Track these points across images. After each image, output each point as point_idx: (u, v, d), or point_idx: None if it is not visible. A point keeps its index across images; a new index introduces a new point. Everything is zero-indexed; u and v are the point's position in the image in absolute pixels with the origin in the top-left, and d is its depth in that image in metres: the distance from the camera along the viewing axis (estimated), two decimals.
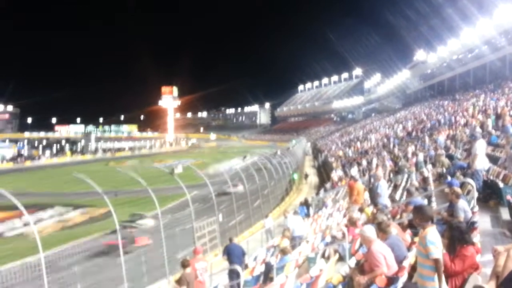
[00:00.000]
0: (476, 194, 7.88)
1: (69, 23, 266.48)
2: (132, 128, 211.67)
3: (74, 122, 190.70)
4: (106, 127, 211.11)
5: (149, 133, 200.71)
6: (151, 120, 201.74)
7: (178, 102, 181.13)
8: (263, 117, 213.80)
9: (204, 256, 12.40)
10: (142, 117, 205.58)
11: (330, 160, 41.44)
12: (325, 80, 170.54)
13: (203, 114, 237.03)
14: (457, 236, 4.59)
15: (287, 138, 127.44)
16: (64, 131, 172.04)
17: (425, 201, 9.42)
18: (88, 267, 13.31)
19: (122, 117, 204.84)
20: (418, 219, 4.34)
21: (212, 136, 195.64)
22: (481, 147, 9.70)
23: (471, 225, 6.22)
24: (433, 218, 4.41)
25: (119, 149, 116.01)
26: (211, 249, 17.67)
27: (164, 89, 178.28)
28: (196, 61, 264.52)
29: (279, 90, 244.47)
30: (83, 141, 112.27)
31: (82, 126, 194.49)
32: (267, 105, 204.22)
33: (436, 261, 4.05)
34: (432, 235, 4.14)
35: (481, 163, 9.52)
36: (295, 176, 37.22)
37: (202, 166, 34.98)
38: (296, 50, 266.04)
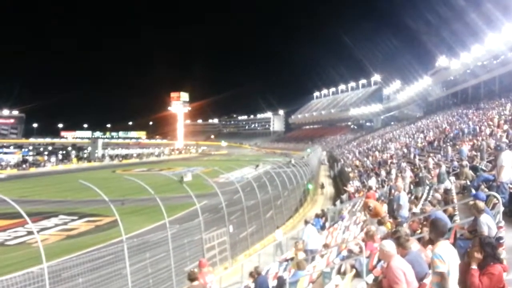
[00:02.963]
0: (502, 208, 7.74)
1: (77, 27, 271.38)
2: (141, 135, 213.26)
3: (81, 128, 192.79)
4: (114, 133, 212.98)
5: (158, 140, 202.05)
6: (160, 127, 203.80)
7: (188, 108, 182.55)
8: (277, 125, 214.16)
9: (212, 269, 12.36)
10: (151, 123, 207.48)
11: (347, 170, 41.25)
12: (342, 87, 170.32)
13: (214, 121, 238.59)
14: (489, 252, 4.50)
15: (301, 147, 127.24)
16: (70, 137, 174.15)
17: (446, 216, 9.29)
18: (93, 278, 13.38)
19: (130, 123, 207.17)
20: (433, 233, 4.29)
21: (223, 143, 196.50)
22: (507, 159, 9.55)
23: (496, 241, 6.10)
24: (445, 233, 4.35)
25: (126, 156, 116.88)
26: (220, 261, 17.63)
27: (174, 94, 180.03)
28: (208, 67, 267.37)
29: (294, 97, 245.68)
30: (89, 147, 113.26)
31: (89, 132, 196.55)
32: (281, 112, 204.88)
33: (440, 275, 3.98)
34: (441, 249, 4.07)
35: (508, 175, 9.38)
36: (310, 186, 37.09)
37: (212, 175, 35.11)
38: (312, 55, 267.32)
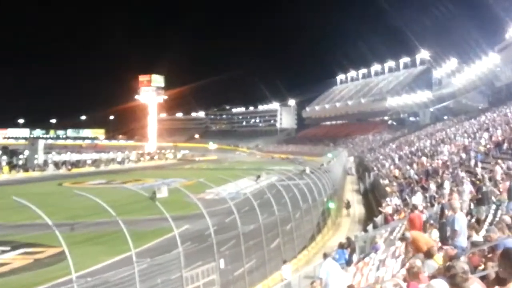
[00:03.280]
0: None
1: None
2: (98, 133, 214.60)
3: (15, 125, 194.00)
4: (61, 132, 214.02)
5: (121, 141, 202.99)
6: (125, 123, 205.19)
7: (163, 97, 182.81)
8: (286, 120, 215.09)
9: None
10: (111, 117, 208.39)
11: (383, 182, 41.24)
12: (376, 67, 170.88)
13: (200, 114, 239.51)
14: None
15: (319, 150, 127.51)
16: (0, 136, 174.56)
17: None
18: None
19: (83, 118, 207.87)
20: (504, 269, 4.29)
21: (212, 145, 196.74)
22: None
23: None
24: None
25: (78, 163, 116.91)
26: None
27: (143, 78, 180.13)
28: (192, 40, 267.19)
29: (309, 82, 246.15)
30: (27, 151, 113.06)
31: (26, 130, 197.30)
32: (292, 102, 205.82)
33: None
34: None
35: None
36: (332, 205, 37.12)
37: (196, 189, 35.06)
38: (334, 24, 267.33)
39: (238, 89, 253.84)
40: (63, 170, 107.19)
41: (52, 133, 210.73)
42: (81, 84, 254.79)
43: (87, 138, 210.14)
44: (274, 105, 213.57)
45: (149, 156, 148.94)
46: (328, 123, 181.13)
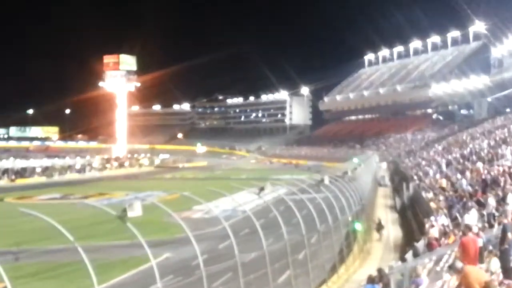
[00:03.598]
0: None
1: None
2: (50, 132, 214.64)
3: None
4: (1, 130, 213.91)
5: (80, 142, 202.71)
6: (85, 118, 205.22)
7: (135, 84, 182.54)
8: (298, 114, 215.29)
9: None
10: (67, 111, 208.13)
11: (426, 196, 41.12)
12: (415, 44, 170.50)
13: (184, 107, 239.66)
14: None
15: (342, 154, 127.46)
16: None
17: None
18: None
19: (30, 112, 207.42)
20: None
21: (200, 148, 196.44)
22: None
23: None
24: None
25: (24, 171, 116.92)
26: None
27: (109, 59, 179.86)
28: (171, 11, 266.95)
29: (328, 64, 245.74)
30: None
31: None
32: (305, 91, 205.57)
33: None
34: None
35: None
36: (358, 226, 37.06)
37: (180, 205, 35.10)
38: None
39: (234, 73, 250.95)
40: (4, 181, 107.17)
41: None
42: (27, 67, 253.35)
43: (36, 138, 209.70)
44: (282, 95, 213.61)
45: (118, 162, 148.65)
46: (353, 117, 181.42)
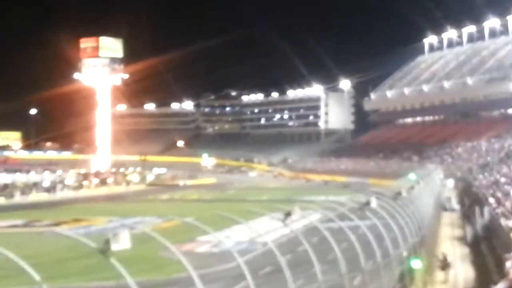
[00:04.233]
0: None
1: None
2: (10, 139, 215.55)
3: None
4: None
5: (50, 152, 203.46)
6: (56, 121, 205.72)
7: (122, 76, 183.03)
8: (336, 115, 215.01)
9: None
10: (33, 112, 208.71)
11: (506, 224, 41.07)
12: (491, 23, 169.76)
13: (186, 106, 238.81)
14: None
15: (395, 168, 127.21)
16: None
17: None
18: None
19: None
20: None
21: (207, 160, 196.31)
22: None
23: None
24: None
25: None
26: None
27: (86, 42, 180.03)
28: None
29: (376, 50, 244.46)
30: None
31: None
32: (345, 85, 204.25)
33: None
34: None
35: None
36: (416, 263, 36.99)
37: (180, 235, 35.26)
38: None
39: (251, 62, 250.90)
40: None
41: None
42: None
43: None
44: (315, 90, 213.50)
45: (99, 178, 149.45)
46: (409, 120, 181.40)
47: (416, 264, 36.98)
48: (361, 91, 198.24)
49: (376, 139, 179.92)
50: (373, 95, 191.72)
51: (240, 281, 24.60)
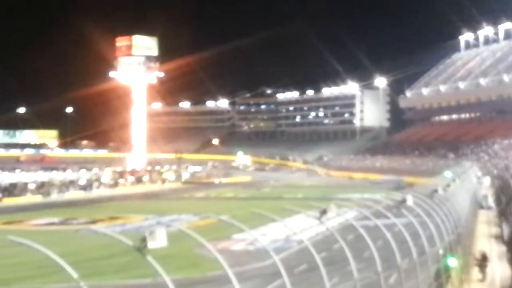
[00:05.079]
0: None
1: None
2: (46, 138, 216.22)
3: None
4: None
5: (86, 150, 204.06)
6: (92, 119, 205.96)
7: (157, 74, 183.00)
8: (371, 113, 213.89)
9: None
10: (69, 110, 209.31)
11: None
12: None
13: (221, 104, 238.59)
14: None
15: (430, 166, 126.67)
16: None
17: None
18: None
19: (21, 111, 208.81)
20: None
21: (242, 157, 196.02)
22: None
23: None
24: None
25: (14, 188, 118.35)
26: None
27: (122, 41, 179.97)
28: None
29: (411, 47, 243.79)
30: None
31: None
32: (381, 82, 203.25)
33: None
34: None
35: None
36: (452, 261, 36.79)
37: (216, 233, 35.24)
38: None
39: (286, 59, 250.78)
40: None
41: None
42: (16, 55, 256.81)
43: (29, 145, 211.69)
44: (351, 88, 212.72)
45: (134, 176, 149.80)
46: (445, 117, 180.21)
47: (452, 262, 36.78)
48: (396, 89, 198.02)
49: (411, 136, 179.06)
50: (408, 93, 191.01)
51: (276, 279, 24.58)
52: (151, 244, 17.22)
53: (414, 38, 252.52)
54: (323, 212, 27.59)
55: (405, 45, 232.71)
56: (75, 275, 15.70)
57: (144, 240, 17.24)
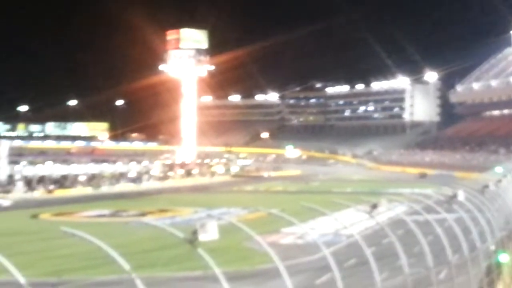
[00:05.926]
0: None
1: None
2: (97, 130, 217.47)
3: None
4: (36, 127, 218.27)
5: (135, 143, 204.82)
6: (142, 112, 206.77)
7: (208, 68, 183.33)
8: (421, 107, 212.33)
9: None
10: (119, 103, 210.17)
11: None
12: None
13: (270, 97, 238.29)
14: None
15: (481, 161, 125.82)
16: None
17: None
18: None
19: (72, 104, 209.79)
20: None
21: (292, 151, 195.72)
22: None
23: None
24: None
25: (64, 180, 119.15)
26: None
27: (172, 35, 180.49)
28: None
29: (462, 41, 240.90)
30: None
31: None
32: (431, 77, 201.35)
33: None
34: None
35: None
36: (504, 257, 36.46)
37: (265, 226, 35.24)
38: None
39: (336, 53, 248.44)
40: (40, 192, 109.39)
41: (21, 129, 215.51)
42: (68, 47, 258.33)
43: (79, 138, 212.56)
44: (400, 82, 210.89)
45: (184, 169, 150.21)
46: (496, 112, 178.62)
47: (504, 258, 36.41)
48: (447, 83, 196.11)
49: (462, 131, 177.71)
50: (459, 87, 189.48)
51: (325, 273, 24.53)
52: (202, 237, 17.26)
53: (465, 32, 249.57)
54: (374, 206, 27.49)
55: (456, 39, 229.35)
56: (127, 266, 15.80)
57: (195, 232, 17.27)
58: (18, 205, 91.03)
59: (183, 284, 28.03)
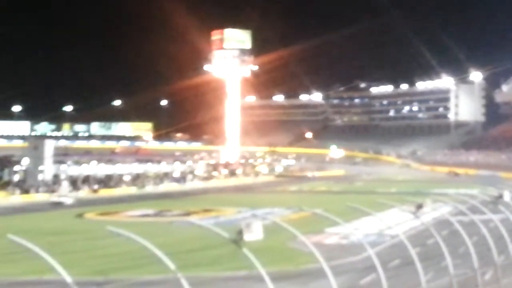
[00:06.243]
0: None
1: None
2: (141, 130, 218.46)
3: (8, 115, 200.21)
4: (81, 127, 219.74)
5: (180, 143, 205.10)
6: (187, 112, 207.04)
7: (251, 67, 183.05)
8: (466, 107, 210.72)
9: None
10: (164, 103, 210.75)
11: None
12: None
13: (314, 97, 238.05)
14: None
15: None
16: None
17: None
18: None
19: (117, 104, 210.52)
20: None
21: (336, 151, 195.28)
22: None
23: None
24: None
25: (109, 180, 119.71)
26: None
27: (217, 35, 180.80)
28: None
29: (508, 41, 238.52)
30: (26, 158, 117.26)
31: (25, 123, 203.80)
32: (476, 77, 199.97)
33: None
34: None
35: None
36: None
37: (309, 226, 35.32)
38: None
39: (380, 52, 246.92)
40: (85, 192, 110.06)
41: (66, 128, 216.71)
42: (113, 48, 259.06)
43: (124, 137, 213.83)
44: (445, 82, 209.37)
45: (228, 169, 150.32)
46: None
47: None
48: (492, 83, 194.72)
49: (507, 132, 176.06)
50: (504, 87, 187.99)
51: (369, 274, 24.42)
52: (247, 237, 17.44)
53: (510, 32, 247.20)
54: (419, 206, 27.47)
55: (502, 39, 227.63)
56: (172, 266, 15.87)
57: (240, 232, 17.47)
58: (80, 204, 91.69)
59: (227, 284, 28.01)
